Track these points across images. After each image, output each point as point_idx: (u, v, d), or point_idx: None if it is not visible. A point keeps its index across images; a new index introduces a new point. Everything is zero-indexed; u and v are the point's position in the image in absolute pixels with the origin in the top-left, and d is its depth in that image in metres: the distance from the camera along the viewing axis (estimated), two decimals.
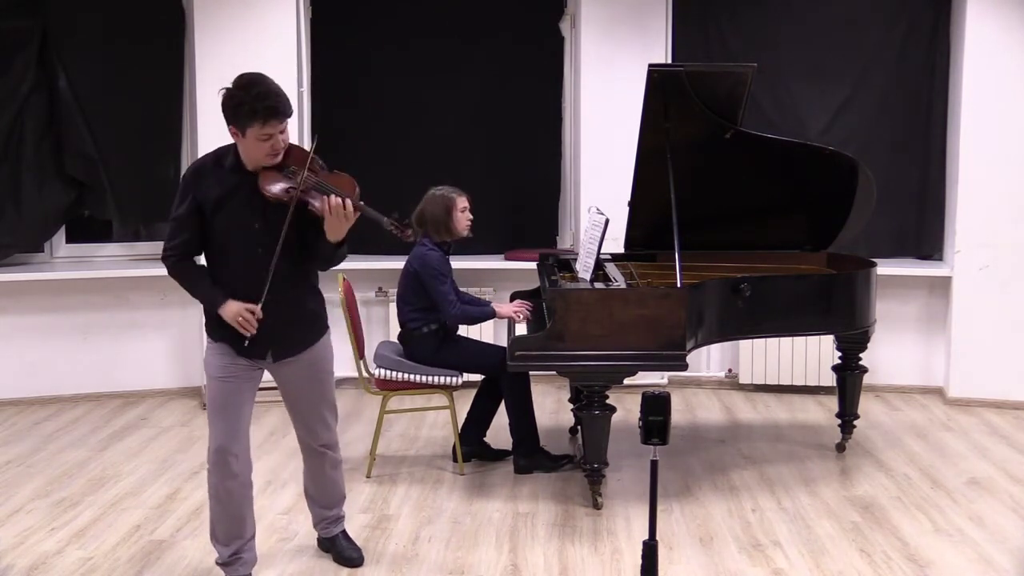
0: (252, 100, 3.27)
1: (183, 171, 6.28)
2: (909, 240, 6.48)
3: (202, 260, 3.59)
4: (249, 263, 3.43)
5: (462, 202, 4.88)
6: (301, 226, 3.44)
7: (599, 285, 4.58)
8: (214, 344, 3.57)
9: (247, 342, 3.46)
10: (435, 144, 6.47)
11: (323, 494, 3.89)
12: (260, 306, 3.42)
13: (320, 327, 3.69)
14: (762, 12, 6.36)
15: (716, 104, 4.77)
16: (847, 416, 5.26)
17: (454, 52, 6.53)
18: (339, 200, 3.33)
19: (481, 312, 4.93)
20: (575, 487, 4.74)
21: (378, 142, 6.46)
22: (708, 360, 6.61)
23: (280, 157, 3.40)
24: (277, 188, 3.39)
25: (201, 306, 3.56)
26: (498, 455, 5.09)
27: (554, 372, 4.61)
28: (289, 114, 3.36)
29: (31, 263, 6.27)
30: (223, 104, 3.34)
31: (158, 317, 6.30)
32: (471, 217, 4.94)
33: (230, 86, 3.34)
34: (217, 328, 3.53)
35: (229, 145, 3.47)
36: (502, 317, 4.99)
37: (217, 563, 3.68)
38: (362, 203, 3.43)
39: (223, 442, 3.51)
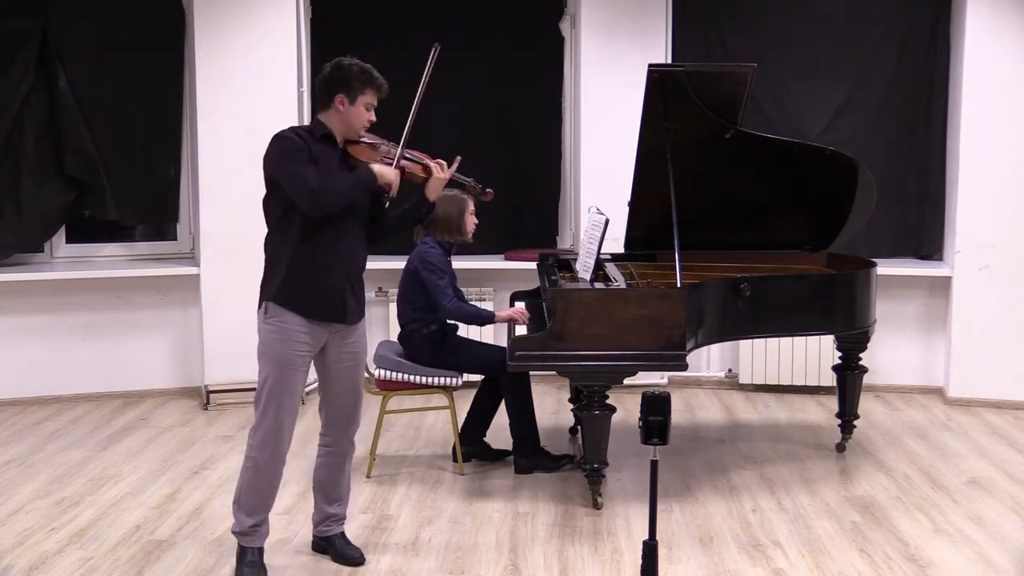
0: (368, 71, 3.68)
1: (182, 171, 6.36)
2: (909, 240, 6.48)
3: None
4: (342, 225, 3.66)
5: (471, 205, 4.90)
6: (374, 197, 3.76)
7: (599, 285, 4.58)
8: (288, 318, 3.63)
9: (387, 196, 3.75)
10: (435, 144, 6.40)
11: (335, 488, 3.94)
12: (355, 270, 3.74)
13: (364, 304, 3.91)
14: (762, 12, 6.36)
15: (716, 104, 4.77)
16: (847, 416, 5.25)
17: (454, 52, 6.44)
18: (443, 161, 3.89)
19: (478, 313, 4.93)
20: (575, 487, 4.74)
21: None
22: (708, 360, 6.61)
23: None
24: (373, 156, 3.75)
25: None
26: (498, 455, 5.09)
27: (554, 372, 4.61)
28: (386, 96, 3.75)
29: (31, 263, 6.26)
30: (337, 73, 3.64)
31: (158, 317, 6.26)
32: (476, 221, 4.96)
33: (341, 60, 3.66)
34: (298, 296, 3.63)
35: (306, 125, 3.75)
36: (502, 321, 4.99)
37: (234, 531, 3.79)
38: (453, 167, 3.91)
39: (282, 421, 3.70)
